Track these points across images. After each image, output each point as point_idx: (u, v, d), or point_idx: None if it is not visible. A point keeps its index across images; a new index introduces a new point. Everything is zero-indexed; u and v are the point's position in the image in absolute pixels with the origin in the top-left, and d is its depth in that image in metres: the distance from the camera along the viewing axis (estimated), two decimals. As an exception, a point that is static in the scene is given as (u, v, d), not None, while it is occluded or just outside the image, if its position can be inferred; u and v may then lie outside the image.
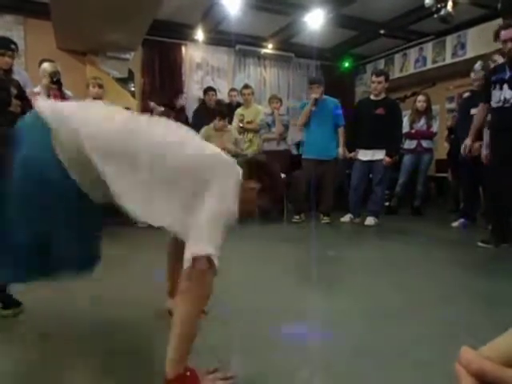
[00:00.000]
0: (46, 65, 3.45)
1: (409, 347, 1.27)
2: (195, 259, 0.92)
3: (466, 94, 4.15)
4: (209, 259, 0.93)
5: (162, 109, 4.91)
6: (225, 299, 1.52)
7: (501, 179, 2.83)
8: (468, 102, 3.94)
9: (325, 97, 4.08)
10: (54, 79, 3.36)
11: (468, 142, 3.15)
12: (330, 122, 4.02)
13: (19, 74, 3.42)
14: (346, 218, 4.16)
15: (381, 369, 1.14)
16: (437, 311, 1.62)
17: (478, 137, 3.27)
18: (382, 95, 3.90)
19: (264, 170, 1.24)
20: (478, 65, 3.88)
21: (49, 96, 3.36)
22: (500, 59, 3.54)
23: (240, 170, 1.12)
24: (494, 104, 2.86)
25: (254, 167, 1.21)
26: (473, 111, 3.80)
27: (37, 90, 3.42)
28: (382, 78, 3.84)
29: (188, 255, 0.93)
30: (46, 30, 4.94)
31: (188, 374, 0.95)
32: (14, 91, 3.09)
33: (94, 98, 4.07)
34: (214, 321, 1.40)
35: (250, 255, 2.68)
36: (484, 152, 3.17)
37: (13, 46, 3.20)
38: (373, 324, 1.47)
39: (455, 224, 3.89)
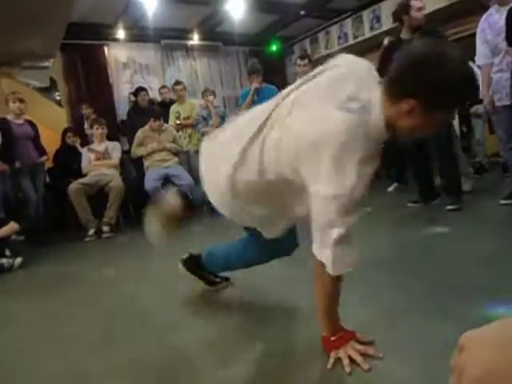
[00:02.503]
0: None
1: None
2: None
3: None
4: None
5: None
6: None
7: (419, 145, 3.06)
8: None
9: (265, 85, 4.15)
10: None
11: None
12: None
13: None
14: None
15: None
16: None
17: None
18: (307, 77, 4.04)
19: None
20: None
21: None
22: None
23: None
24: None
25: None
26: None
27: None
28: (306, 61, 3.99)
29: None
30: None
31: (333, 338, 1.15)
32: None
33: (17, 114, 3.86)
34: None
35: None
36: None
37: None
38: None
39: (390, 189, 4.20)
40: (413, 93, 0.95)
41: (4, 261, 2.84)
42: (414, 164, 3.19)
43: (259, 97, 4.04)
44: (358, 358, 1.08)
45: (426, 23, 2.88)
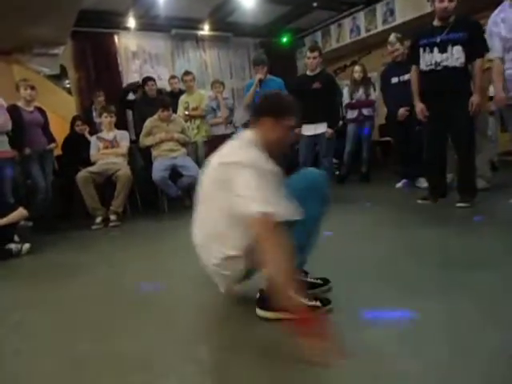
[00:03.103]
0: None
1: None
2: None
3: (385, 66, 4.44)
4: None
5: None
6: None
7: (434, 141, 3.02)
8: (387, 73, 4.22)
9: (270, 77, 4.11)
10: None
11: (418, 106, 3.07)
12: None
13: None
14: None
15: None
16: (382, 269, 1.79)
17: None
18: (318, 69, 3.99)
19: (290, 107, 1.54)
20: (392, 37, 4.10)
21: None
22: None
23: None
24: (424, 67, 2.94)
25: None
26: (393, 80, 4.09)
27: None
28: (316, 53, 3.93)
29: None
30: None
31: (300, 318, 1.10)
32: None
33: (27, 101, 3.87)
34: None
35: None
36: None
37: None
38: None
39: (398, 185, 4.16)
40: (265, 112, 1.48)
41: (12, 246, 2.87)
42: (427, 159, 3.12)
43: (263, 88, 4.00)
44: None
45: (458, 12, 2.82)
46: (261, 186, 1.26)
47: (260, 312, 1.41)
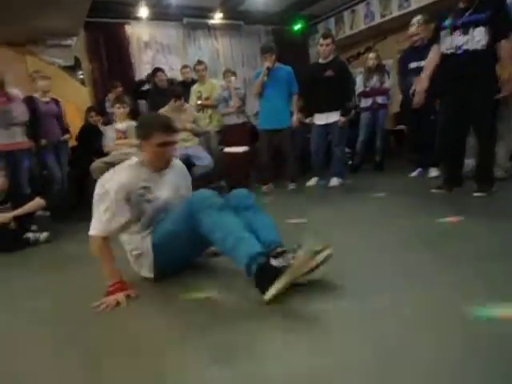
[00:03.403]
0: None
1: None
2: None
3: (403, 51, 4.28)
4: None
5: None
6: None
7: (450, 127, 2.93)
8: (405, 58, 4.07)
9: (278, 65, 4.08)
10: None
11: (420, 84, 3.02)
12: (284, 91, 4.04)
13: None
14: (312, 181, 4.28)
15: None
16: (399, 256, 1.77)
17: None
18: (331, 57, 3.94)
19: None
20: (415, 20, 3.97)
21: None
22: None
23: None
24: (444, 50, 2.82)
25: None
26: (411, 65, 3.96)
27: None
28: (329, 41, 3.87)
29: None
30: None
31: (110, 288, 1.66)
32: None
33: (43, 92, 3.92)
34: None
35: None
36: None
37: None
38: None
39: (413, 174, 4.10)
40: (137, 137, 1.80)
41: (30, 235, 2.94)
42: (441, 146, 3.04)
43: (271, 77, 3.97)
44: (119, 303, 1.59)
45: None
46: (101, 211, 1.69)
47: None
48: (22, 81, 4.05)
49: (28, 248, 2.87)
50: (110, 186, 1.71)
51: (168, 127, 1.75)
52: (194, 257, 1.94)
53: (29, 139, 3.67)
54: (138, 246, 1.80)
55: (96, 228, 1.71)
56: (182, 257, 1.85)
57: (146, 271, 1.83)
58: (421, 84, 2.98)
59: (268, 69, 3.95)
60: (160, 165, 1.80)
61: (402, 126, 5.78)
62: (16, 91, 3.62)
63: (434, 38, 2.94)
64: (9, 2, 3.94)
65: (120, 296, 1.61)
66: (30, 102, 3.78)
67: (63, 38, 5.15)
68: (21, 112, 3.49)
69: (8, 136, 3.42)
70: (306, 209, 3.23)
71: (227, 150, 4.47)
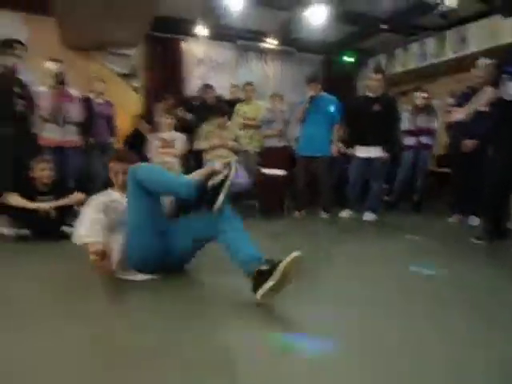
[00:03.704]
0: (49, 64, 3.52)
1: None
2: None
3: (464, 91, 4.15)
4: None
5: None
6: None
7: (505, 178, 2.77)
8: (465, 98, 3.95)
9: (323, 94, 4.12)
10: (57, 80, 3.42)
11: (455, 115, 2.98)
12: (326, 119, 4.06)
13: (23, 73, 3.49)
14: (345, 213, 4.22)
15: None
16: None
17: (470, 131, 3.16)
18: (379, 92, 3.93)
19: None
20: (482, 61, 3.86)
21: (53, 95, 3.42)
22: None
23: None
24: (506, 96, 2.69)
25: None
26: None
27: (41, 88, 3.48)
28: (380, 76, 3.88)
29: None
30: (49, 28, 5.00)
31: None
32: (18, 91, 3.18)
33: (98, 93, 4.14)
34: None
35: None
36: None
37: (17, 46, 3.27)
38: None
39: (451, 219, 3.95)
40: None
41: (66, 228, 3.05)
42: (491, 195, 2.90)
43: (314, 105, 4.01)
44: None
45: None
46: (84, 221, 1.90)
47: None
48: (82, 83, 4.30)
49: (62, 240, 2.97)
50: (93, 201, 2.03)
51: (117, 158, 2.12)
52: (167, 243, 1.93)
53: (80, 137, 3.86)
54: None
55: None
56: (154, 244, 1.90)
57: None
58: (457, 113, 2.90)
59: (311, 97, 4.00)
60: (118, 188, 2.11)
61: (445, 169, 5.62)
62: (75, 91, 3.85)
63: (494, 82, 2.82)
64: (82, 11, 4.27)
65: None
66: (86, 101, 4.00)
67: (124, 48, 5.47)
68: (77, 112, 3.69)
69: (61, 133, 3.61)
70: (333, 240, 3.17)
71: (265, 171, 4.50)
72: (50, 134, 3.53)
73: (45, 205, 2.93)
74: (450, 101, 4.26)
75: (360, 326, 1.47)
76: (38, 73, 3.93)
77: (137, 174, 1.84)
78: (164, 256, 1.93)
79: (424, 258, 2.57)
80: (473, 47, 5.61)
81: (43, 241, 2.87)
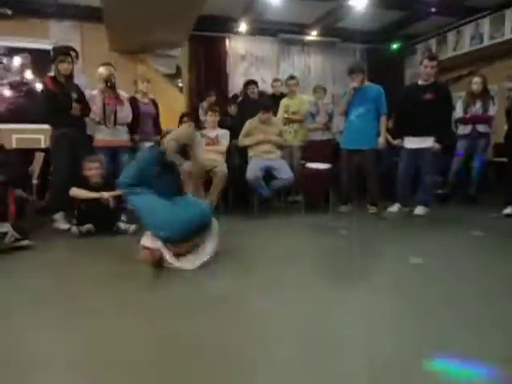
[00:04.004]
0: (101, 69, 3.68)
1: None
2: None
3: None
4: None
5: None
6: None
7: None
8: None
9: (367, 84, 3.98)
10: (108, 84, 3.57)
11: None
12: (371, 111, 3.91)
13: (78, 78, 3.69)
14: (394, 207, 4.06)
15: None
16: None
17: None
18: (431, 80, 3.73)
19: None
20: None
21: (104, 99, 3.58)
22: None
23: None
24: None
25: None
26: None
27: (94, 93, 3.66)
28: (435, 63, 3.67)
29: None
30: (100, 34, 5.25)
31: None
32: (74, 95, 3.37)
33: (143, 93, 4.27)
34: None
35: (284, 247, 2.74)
36: None
37: (72, 53, 3.46)
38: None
39: (506, 211, 3.67)
40: None
41: (121, 224, 3.22)
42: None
43: (358, 96, 3.87)
44: None
45: None
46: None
47: None
48: (131, 85, 4.45)
49: (118, 236, 3.13)
50: None
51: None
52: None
53: (129, 137, 4.01)
54: None
55: None
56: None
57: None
58: None
59: (354, 89, 3.87)
60: None
61: (504, 159, 5.25)
62: (124, 94, 4.00)
63: None
64: (130, 17, 4.43)
65: None
66: (132, 102, 4.14)
67: (170, 49, 5.61)
68: (127, 113, 3.83)
69: (112, 134, 3.76)
70: (387, 236, 3.07)
71: (309, 165, 4.44)
72: (102, 136, 3.70)
73: (106, 194, 3.12)
74: (510, 85, 3.95)
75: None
76: (90, 77, 4.15)
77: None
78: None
79: (473, 252, 2.42)
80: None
81: (103, 236, 3.05)
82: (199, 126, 5.05)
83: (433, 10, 5.79)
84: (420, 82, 3.84)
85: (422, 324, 1.44)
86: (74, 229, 3.13)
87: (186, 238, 2.26)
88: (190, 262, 2.22)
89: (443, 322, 1.46)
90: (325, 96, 4.76)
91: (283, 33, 6.61)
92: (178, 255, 2.24)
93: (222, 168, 4.08)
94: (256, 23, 6.27)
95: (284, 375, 1.12)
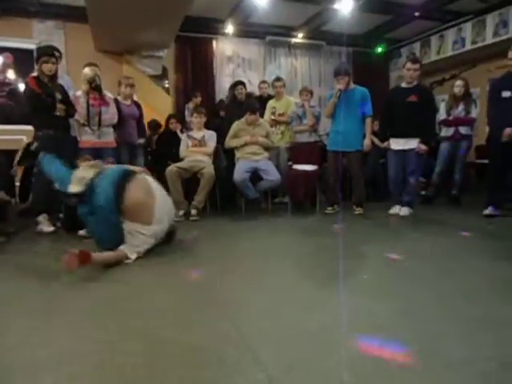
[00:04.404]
0: (86, 70, 3.62)
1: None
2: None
3: (499, 76, 3.95)
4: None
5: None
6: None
7: None
8: (498, 84, 3.75)
9: (353, 86, 4.02)
10: (93, 85, 3.51)
11: (508, 130, 2.97)
12: (357, 113, 3.95)
13: (62, 78, 3.63)
14: (395, 209, 4.04)
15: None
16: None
17: None
18: (415, 82, 3.80)
19: None
20: None
21: (88, 100, 3.52)
22: None
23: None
24: None
25: None
26: (504, 94, 3.61)
27: (78, 93, 3.60)
28: (417, 66, 3.74)
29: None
30: (84, 34, 5.19)
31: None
32: (58, 96, 3.31)
33: (125, 97, 4.20)
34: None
35: (266, 248, 2.75)
36: None
37: (56, 53, 3.40)
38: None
39: (486, 212, 3.75)
40: None
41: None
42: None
43: (343, 99, 3.91)
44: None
45: None
46: None
47: None
48: (116, 86, 4.40)
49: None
50: None
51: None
52: None
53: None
54: None
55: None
56: None
57: None
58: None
59: (340, 91, 3.91)
60: None
61: (485, 160, 5.37)
62: (110, 95, 3.95)
63: None
64: (115, 17, 4.39)
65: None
66: (116, 103, 4.07)
67: (156, 50, 5.58)
68: (112, 114, 3.78)
69: (97, 136, 3.69)
70: (373, 237, 3.11)
71: (296, 167, 4.47)
72: (87, 138, 3.64)
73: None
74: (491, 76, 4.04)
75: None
76: (73, 78, 4.09)
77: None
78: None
79: (459, 250, 2.47)
80: (516, 30, 5.32)
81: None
82: (186, 127, 5.04)
83: (416, 14, 5.90)
84: (403, 85, 3.90)
85: (408, 322, 1.46)
86: (82, 232, 3.06)
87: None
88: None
89: (428, 319, 1.48)
90: (311, 98, 4.79)
91: (270, 35, 6.65)
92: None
93: (209, 169, 4.07)
94: (243, 25, 6.29)
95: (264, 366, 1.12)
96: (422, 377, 1.11)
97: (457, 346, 1.27)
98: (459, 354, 1.22)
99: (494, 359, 1.19)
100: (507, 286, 1.86)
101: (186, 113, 5.40)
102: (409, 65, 3.78)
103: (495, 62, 5.93)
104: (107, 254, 2.29)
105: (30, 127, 3.48)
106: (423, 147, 3.74)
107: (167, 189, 4.04)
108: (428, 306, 1.63)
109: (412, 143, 3.77)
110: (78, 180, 2.45)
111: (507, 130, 3.51)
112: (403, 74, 3.91)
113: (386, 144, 4.05)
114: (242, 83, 5.23)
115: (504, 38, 5.42)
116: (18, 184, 4.27)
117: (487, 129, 5.03)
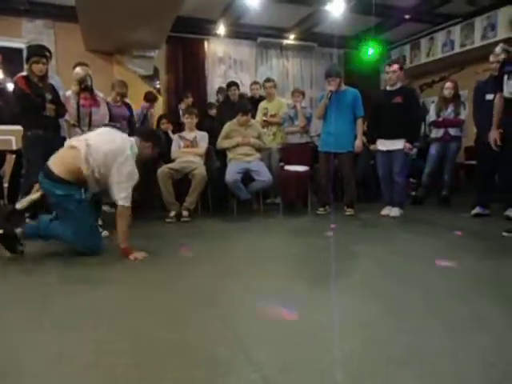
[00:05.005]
0: (77, 69, 3.59)
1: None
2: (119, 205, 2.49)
3: (483, 79, 4.06)
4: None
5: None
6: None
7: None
8: (483, 87, 3.84)
9: (344, 87, 4.05)
10: (83, 86, 3.48)
11: (493, 134, 3.06)
12: (348, 114, 3.99)
13: (52, 78, 3.58)
14: (387, 211, 4.06)
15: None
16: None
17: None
18: (398, 85, 3.87)
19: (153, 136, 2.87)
20: (499, 47, 3.74)
21: (79, 100, 3.49)
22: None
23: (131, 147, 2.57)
24: (506, 94, 2.90)
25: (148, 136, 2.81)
26: (488, 97, 3.69)
27: (68, 93, 3.57)
28: (395, 67, 3.81)
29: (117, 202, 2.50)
30: (74, 33, 5.14)
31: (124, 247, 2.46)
32: (48, 96, 3.28)
33: (116, 101, 4.17)
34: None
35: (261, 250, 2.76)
36: None
37: (47, 53, 3.36)
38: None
39: (474, 212, 3.80)
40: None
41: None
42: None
43: (334, 100, 3.94)
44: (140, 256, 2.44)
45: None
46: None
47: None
48: (107, 86, 4.36)
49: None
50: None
51: None
52: None
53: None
54: None
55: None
56: None
57: None
58: (492, 134, 3.08)
59: (331, 92, 3.94)
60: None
61: (474, 161, 5.45)
62: (101, 94, 3.91)
63: (499, 80, 3.03)
64: (105, 16, 4.36)
65: (141, 253, 2.46)
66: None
67: (147, 50, 5.55)
68: (103, 115, 3.75)
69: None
70: (363, 237, 3.13)
71: (288, 168, 4.48)
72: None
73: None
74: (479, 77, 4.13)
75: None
76: (63, 78, 4.04)
77: None
78: None
79: (447, 249, 2.50)
80: (502, 34, 5.41)
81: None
82: (179, 128, 5.02)
83: (407, 16, 5.97)
84: (388, 88, 3.98)
85: (396, 322, 1.48)
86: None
87: None
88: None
89: (417, 317, 1.50)
90: (303, 99, 4.81)
91: (262, 36, 6.66)
92: None
93: (200, 170, 4.07)
94: (235, 26, 6.29)
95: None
96: (411, 370, 1.13)
97: (442, 344, 1.29)
98: (445, 351, 1.24)
99: (480, 356, 1.20)
100: (494, 285, 1.89)
101: (181, 113, 5.38)
102: (386, 68, 3.91)
103: (483, 65, 6.03)
104: (120, 230, 2.46)
105: (18, 127, 3.44)
106: (408, 145, 3.80)
107: (158, 189, 4.04)
108: (417, 304, 1.64)
109: (398, 144, 3.82)
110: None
111: (492, 135, 3.57)
112: (385, 78, 3.99)
113: (372, 147, 4.10)
114: (235, 84, 5.24)
115: (492, 41, 5.50)
116: (6, 185, 4.22)
117: (475, 130, 5.13)
